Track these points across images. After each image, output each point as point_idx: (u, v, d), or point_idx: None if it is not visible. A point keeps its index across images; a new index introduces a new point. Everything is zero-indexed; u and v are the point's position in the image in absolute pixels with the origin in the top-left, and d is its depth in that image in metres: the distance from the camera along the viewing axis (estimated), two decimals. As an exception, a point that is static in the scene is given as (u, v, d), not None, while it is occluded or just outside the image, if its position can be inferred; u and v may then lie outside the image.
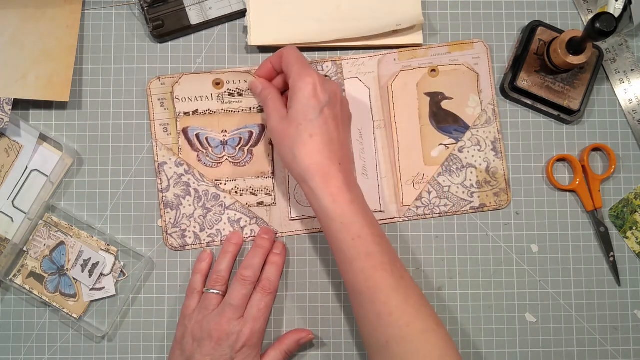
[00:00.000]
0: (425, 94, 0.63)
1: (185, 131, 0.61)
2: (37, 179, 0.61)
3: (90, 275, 0.60)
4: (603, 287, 0.62)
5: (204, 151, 0.61)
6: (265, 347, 0.59)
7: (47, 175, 0.61)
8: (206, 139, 0.61)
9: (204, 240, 0.61)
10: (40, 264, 0.60)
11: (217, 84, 0.61)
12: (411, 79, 0.63)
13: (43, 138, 0.62)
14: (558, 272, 0.62)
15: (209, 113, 0.61)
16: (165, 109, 0.62)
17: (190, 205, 0.61)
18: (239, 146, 0.61)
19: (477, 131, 0.63)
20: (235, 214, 0.61)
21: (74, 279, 0.60)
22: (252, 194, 0.61)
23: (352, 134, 0.62)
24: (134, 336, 0.61)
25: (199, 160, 0.61)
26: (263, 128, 0.62)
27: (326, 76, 0.61)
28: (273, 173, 0.62)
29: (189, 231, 0.61)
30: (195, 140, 0.61)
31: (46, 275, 0.60)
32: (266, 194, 0.61)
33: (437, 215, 0.62)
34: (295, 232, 0.62)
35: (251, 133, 0.61)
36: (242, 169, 0.61)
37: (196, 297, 0.58)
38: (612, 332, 0.61)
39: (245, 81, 0.61)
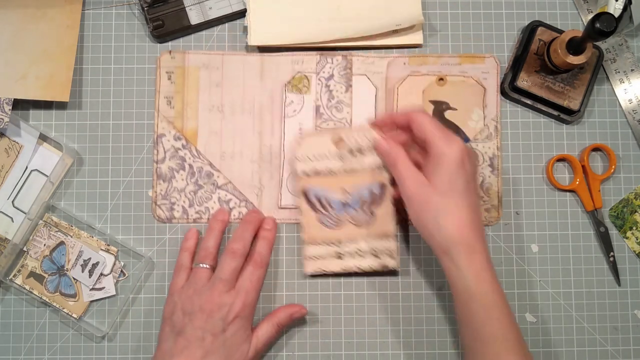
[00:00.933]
0: (430, 101, 0.63)
1: (305, 192, 0.59)
2: (37, 179, 0.61)
3: (90, 275, 0.60)
4: (603, 287, 0.62)
5: (325, 213, 0.60)
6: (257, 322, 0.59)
7: (47, 175, 0.61)
8: (326, 199, 0.59)
9: (192, 216, 0.61)
10: (40, 264, 0.60)
11: (338, 141, 0.59)
12: (418, 84, 0.63)
13: (43, 138, 0.62)
14: (558, 272, 0.62)
15: (329, 173, 0.59)
16: (172, 82, 0.62)
17: (182, 179, 0.61)
18: (360, 206, 0.59)
19: (477, 145, 0.62)
20: (226, 194, 0.62)
21: (74, 279, 0.60)
22: (374, 255, 0.60)
23: None
24: (134, 336, 0.61)
25: (320, 222, 0.60)
26: (384, 187, 0.59)
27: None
28: (396, 235, 0.60)
29: (178, 205, 0.61)
30: (316, 201, 0.59)
31: (46, 275, 0.60)
32: (389, 256, 0.59)
33: None
34: (283, 220, 0.62)
35: (372, 192, 0.59)
36: (363, 230, 0.59)
37: (184, 273, 0.58)
38: (612, 332, 0.61)
39: (367, 138, 0.58)
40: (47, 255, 0.60)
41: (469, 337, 0.52)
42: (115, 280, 0.61)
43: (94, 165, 0.62)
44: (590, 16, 0.64)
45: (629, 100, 0.63)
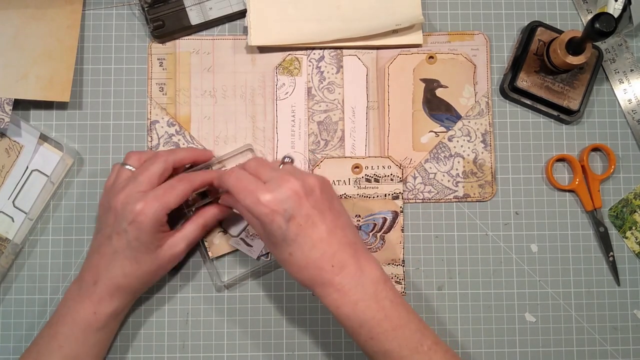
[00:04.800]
0: (421, 79, 0.63)
1: None
2: (37, 179, 0.61)
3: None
4: (602, 287, 0.62)
5: None
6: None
7: (47, 175, 0.61)
8: None
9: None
10: None
11: (356, 168, 0.61)
12: (408, 63, 0.63)
13: (44, 138, 0.62)
14: (558, 272, 0.62)
15: (345, 197, 0.61)
16: (163, 69, 0.62)
17: None
18: (372, 232, 0.61)
19: (469, 122, 0.63)
20: None
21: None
22: None
23: (345, 112, 0.63)
24: (134, 336, 0.61)
25: None
26: (396, 215, 0.61)
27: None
28: (404, 261, 0.61)
29: None
30: None
31: None
32: (396, 281, 0.61)
33: (420, 200, 0.62)
34: None
35: (384, 219, 0.61)
36: (373, 254, 0.60)
37: (114, 172, 0.57)
38: (611, 332, 0.61)
39: (384, 167, 0.61)
40: None
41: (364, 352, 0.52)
42: (264, 252, 0.61)
43: (94, 165, 0.62)
44: (589, 16, 0.64)
45: (629, 100, 0.64)
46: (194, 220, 0.57)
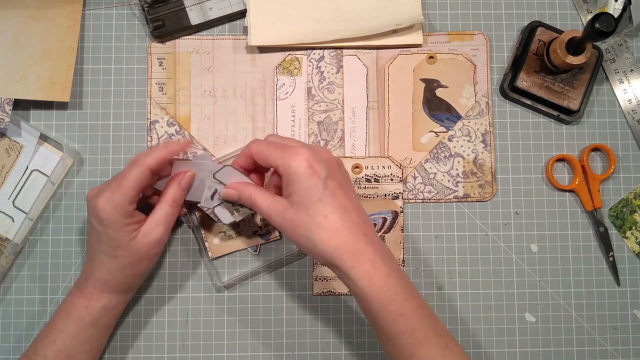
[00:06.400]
0: (421, 79, 0.63)
1: None
2: (37, 179, 0.61)
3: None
4: (602, 287, 0.62)
5: None
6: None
7: (47, 175, 0.61)
8: None
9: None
10: None
11: (356, 168, 0.61)
12: (408, 63, 0.63)
13: (44, 138, 0.62)
14: (557, 272, 0.62)
15: None
16: (163, 69, 0.63)
17: None
18: None
19: (469, 122, 0.63)
20: None
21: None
22: None
23: (345, 112, 0.63)
24: (134, 336, 0.61)
25: None
26: (396, 215, 0.61)
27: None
28: (404, 261, 0.61)
29: None
30: None
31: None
32: None
33: (420, 200, 0.62)
34: None
35: (384, 219, 0.61)
36: None
37: None
38: (611, 332, 0.61)
39: (384, 167, 0.61)
40: None
41: (377, 335, 0.50)
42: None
43: (94, 165, 0.62)
44: (589, 16, 0.64)
45: (629, 100, 0.64)
46: (161, 200, 0.54)
